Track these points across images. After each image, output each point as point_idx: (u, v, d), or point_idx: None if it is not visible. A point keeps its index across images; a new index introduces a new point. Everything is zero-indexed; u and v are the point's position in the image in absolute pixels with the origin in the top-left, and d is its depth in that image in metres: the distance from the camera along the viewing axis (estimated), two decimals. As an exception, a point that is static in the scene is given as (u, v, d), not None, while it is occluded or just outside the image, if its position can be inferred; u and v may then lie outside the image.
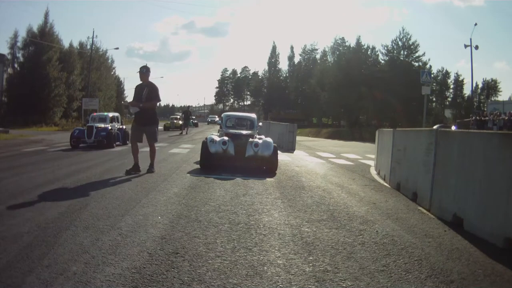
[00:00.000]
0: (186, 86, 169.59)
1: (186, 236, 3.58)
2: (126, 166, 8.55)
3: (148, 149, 7.79)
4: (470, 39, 32.57)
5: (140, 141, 7.65)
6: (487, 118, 23.04)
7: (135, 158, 7.46)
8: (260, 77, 79.62)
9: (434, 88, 46.70)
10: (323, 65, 56.55)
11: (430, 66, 44.57)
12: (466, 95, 51.12)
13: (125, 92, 61.33)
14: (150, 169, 7.40)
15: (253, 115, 10.54)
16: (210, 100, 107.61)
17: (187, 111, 26.50)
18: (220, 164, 8.30)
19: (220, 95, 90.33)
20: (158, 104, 7.89)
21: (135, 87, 7.81)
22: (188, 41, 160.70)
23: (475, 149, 4.30)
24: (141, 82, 7.59)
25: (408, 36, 44.79)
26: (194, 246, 3.32)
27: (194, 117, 48.07)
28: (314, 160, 11.87)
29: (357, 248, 3.49)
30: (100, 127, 13.40)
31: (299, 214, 4.68)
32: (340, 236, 3.85)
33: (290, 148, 15.97)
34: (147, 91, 7.28)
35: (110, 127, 13.66)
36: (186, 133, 24.86)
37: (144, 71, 7.47)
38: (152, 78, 7.83)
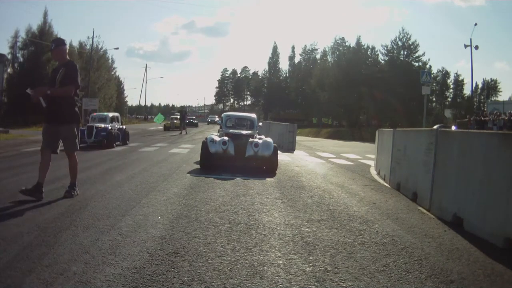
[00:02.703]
0: (186, 86, 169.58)
1: (186, 236, 3.58)
2: (126, 166, 8.59)
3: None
4: (470, 39, 32.58)
5: (54, 149, 5.11)
6: (487, 118, 23.03)
7: (40, 174, 4.96)
8: (260, 77, 79.63)
9: (434, 88, 46.54)
10: (323, 65, 56.46)
11: (430, 66, 44.50)
12: (466, 95, 51.07)
13: (125, 92, 61.50)
14: (70, 192, 5.04)
15: (253, 115, 10.55)
16: (210, 100, 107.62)
17: (182, 111, 26.74)
18: (220, 164, 8.31)
19: (220, 95, 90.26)
20: (77, 91, 5.18)
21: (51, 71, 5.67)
22: (188, 41, 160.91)
23: (475, 149, 4.30)
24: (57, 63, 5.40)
25: (408, 36, 44.76)
26: (194, 246, 3.32)
27: (194, 117, 48.08)
28: (314, 160, 11.88)
29: (357, 248, 3.49)
30: (100, 127, 13.41)
31: (299, 214, 4.68)
32: (340, 236, 3.85)
33: (290, 148, 15.97)
34: (62, 73, 5.04)
35: (110, 127, 13.67)
36: (186, 133, 24.89)
37: (53, 47, 5.18)
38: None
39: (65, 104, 5.02)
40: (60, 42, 5.26)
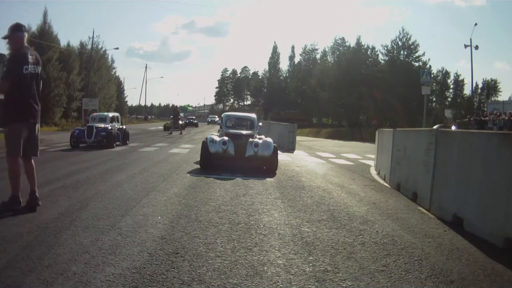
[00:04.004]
0: (186, 86, 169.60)
1: (186, 236, 3.58)
2: (126, 166, 8.59)
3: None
4: (470, 39, 32.50)
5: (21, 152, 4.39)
6: (487, 118, 23.01)
7: (29, 181, 4.50)
8: (260, 77, 79.58)
9: (434, 88, 46.50)
10: (323, 65, 56.44)
11: (430, 66, 44.44)
12: (466, 95, 51.03)
13: (125, 92, 61.51)
14: (4, 206, 4.17)
15: (253, 115, 10.55)
16: (210, 100, 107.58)
17: (174, 110, 26.66)
18: (220, 164, 8.31)
19: (220, 95, 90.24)
20: (39, 82, 4.37)
21: None
22: (188, 41, 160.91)
23: (475, 149, 4.30)
24: None
25: (408, 36, 44.70)
26: (194, 246, 3.32)
27: (194, 117, 48.09)
28: (314, 160, 11.87)
29: (357, 248, 3.49)
30: (100, 127, 13.41)
31: (299, 214, 4.68)
32: (340, 236, 3.85)
33: (290, 148, 15.97)
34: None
35: (110, 127, 13.67)
36: (179, 133, 24.67)
37: (8, 34, 4.30)
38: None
39: (4, 101, 4.21)
40: (15, 28, 4.29)
